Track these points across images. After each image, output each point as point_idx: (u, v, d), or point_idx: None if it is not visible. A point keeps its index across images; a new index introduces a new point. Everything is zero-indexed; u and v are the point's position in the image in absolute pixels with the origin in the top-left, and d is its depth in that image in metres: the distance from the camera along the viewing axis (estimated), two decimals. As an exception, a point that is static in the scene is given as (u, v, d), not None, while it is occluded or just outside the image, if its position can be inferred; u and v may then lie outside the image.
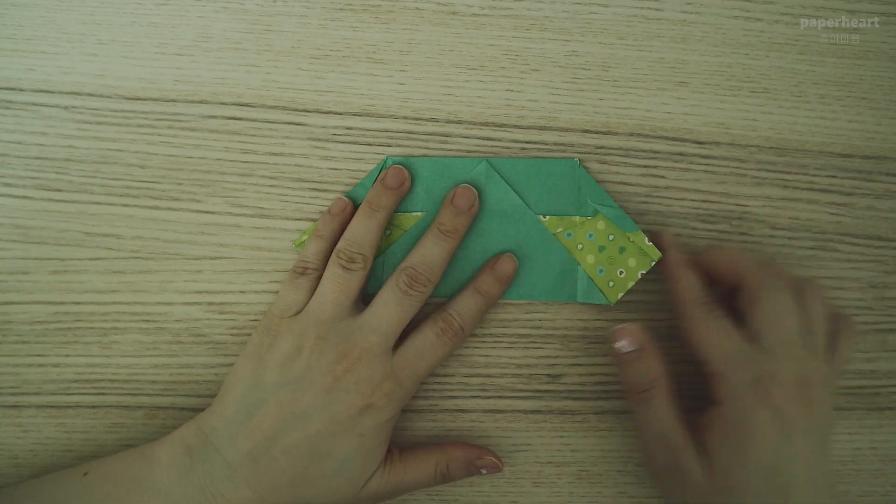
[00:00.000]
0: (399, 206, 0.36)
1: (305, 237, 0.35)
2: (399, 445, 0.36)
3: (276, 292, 0.35)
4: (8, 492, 0.32)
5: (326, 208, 0.36)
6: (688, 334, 0.32)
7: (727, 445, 0.30)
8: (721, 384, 0.31)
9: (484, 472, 0.35)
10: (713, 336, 0.31)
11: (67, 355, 0.36)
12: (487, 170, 0.36)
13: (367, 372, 0.31)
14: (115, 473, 0.31)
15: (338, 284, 0.32)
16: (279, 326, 0.32)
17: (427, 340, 0.33)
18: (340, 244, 0.33)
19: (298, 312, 0.33)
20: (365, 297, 0.34)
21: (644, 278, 0.36)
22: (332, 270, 0.32)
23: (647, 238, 0.35)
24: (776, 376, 0.30)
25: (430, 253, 0.33)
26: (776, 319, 0.31)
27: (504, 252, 0.35)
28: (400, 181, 0.35)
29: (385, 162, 0.36)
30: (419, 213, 0.36)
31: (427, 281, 0.33)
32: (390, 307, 0.32)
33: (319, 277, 0.33)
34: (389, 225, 0.36)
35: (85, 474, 0.32)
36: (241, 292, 0.36)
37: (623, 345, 0.32)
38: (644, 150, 0.36)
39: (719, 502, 0.30)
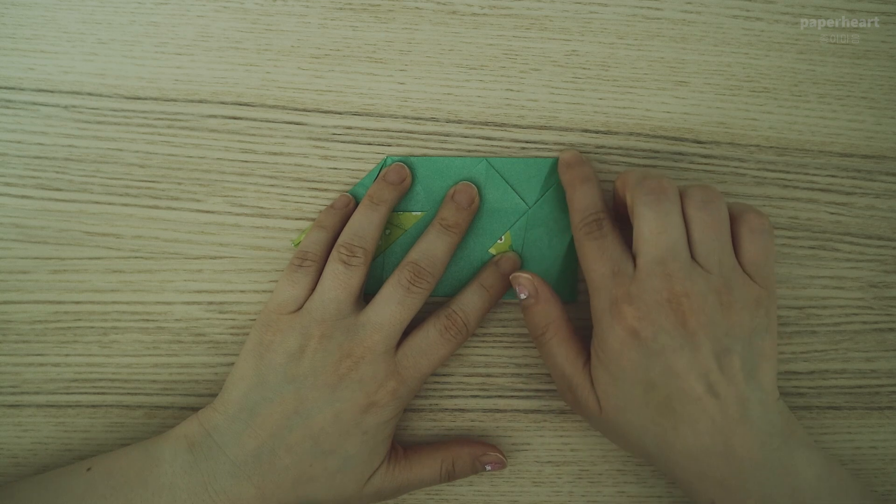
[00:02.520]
0: (399, 206, 0.36)
1: (304, 236, 0.35)
2: (400, 445, 0.36)
3: (276, 292, 0.35)
4: (10, 487, 0.32)
5: (329, 204, 0.36)
6: (580, 255, 0.32)
7: (600, 370, 0.31)
8: (592, 307, 0.31)
9: (489, 468, 0.35)
10: (587, 260, 0.31)
11: (67, 355, 0.36)
12: (487, 169, 0.36)
13: (371, 370, 0.31)
14: (119, 469, 0.31)
15: (339, 281, 0.32)
16: (279, 323, 0.32)
17: (430, 337, 0.32)
18: (342, 238, 0.33)
19: (298, 308, 0.32)
20: (365, 297, 0.34)
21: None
22: (333, 267, 0.32)
23: None
24: (633, 297, 0.29)
25: (432, 247, 0.33)
26: (647, 238, 0.29)
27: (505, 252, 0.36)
28: (401, 177, 0.35)
29: (385, 161, 0.36)
30: (419, 213, 0.36)
31: (430, 276, 0.33)
32: (393, 305, 0.32)
33: (318, 270, 0.33)
34: (389, 224, 0.36)
35: (88, 469, 0.32)
36: (241, 292, 0.36)
37: (519, 292, 0.33)
38: (644, 150, 0.36)
39: (615, 429, 0.31)
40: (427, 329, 0.33)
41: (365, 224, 0.33)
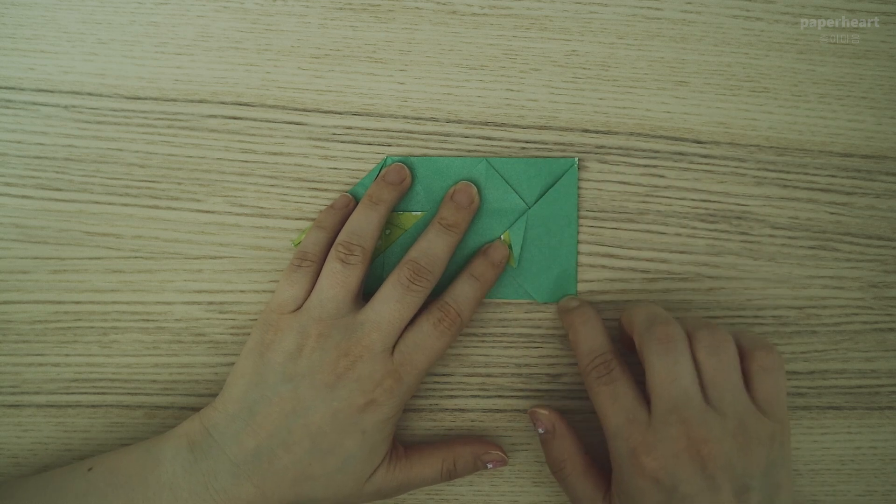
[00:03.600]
0: (399, 206, 0.36)
1: (304, 236, 0.35)
2: (401, 444, 0.36)
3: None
4: (11, 487, 0.32)
5: (328, 204, 0.36)
6: (596, 405, 0.32)
7: None
8: (611, 453, 0.31)
9: (490, 466, 0.35)
10: (600, 406, 0.31)
11: (67, 354, 0.36)
12: (487, 169, 0.36)
13: (369, 369, 0.31)
14: (120, 468, 0.31)
15: (337, 280, 0.32)
16: (279, 322, 0.32)
17: (424, 332, 0.32)
18: (340, 236, 0.33)
19: (298, 308, 0.32)
20: (365, 297, 0.34)
21: (644, 278, 0.36)
22: (331, 266, 0.32)
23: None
24: (651, 446, 0.29)
25: (432, 246, 0.33)
26: (659, 386, 0.30)
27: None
28: (401, 178, 0.35)
29: (385, 161, 0.36)
30: (419, 213, 0.36)
31: (430, 274, 0.32)
32: (391, 304, 0.32)
33: (318, 270, 0.33)
34: (389, 224, 0.36)
35: (89, 469, 0.32)
36: (241, 292, 0.36)
37: (537, 427, 0.34)
38: (644, 150, 0.36)
39: None
40: (421, 323, 0.33)
41: (364, 223, 0.33)
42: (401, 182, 0.35)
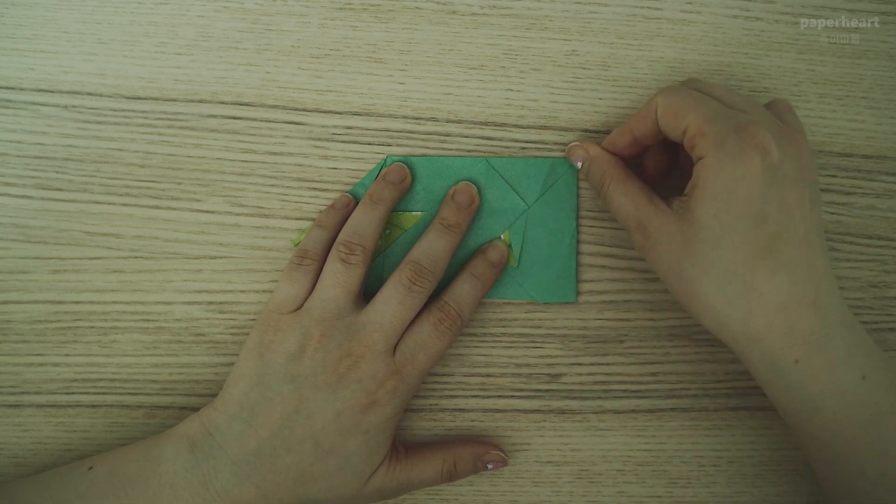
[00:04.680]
0: (399, 206, 0.36)
1: (304, 236, 0.35)
2: (401, 445, 0.36)
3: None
4: (11, 486, 0.32)
5: (329, 204, 0.36)
6: (669, 110, 0.31)
7: (708, 198, 0.29)
8: (704, 139, 0.29)
9: (490, 467, 0.35)
10: (690, 100, 0.30)
11: (67, 354, 0.36)
12: (487, 169, 0.36)
13: (371, 369, 0.31)
14: (121, 468, 0.31)
15: (338, 280, 0.32)
16: (279, 322, 0.32)
17: (425, 332, 0.32)
18: (341, 236, 0.33)
19: (297, 308, 0.32)
20: (365, 297, 0.34)
21: (644, 278, 0.36)
22: (332, 265, 0.32)
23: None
24: (755, 121, 0.29)
25: (433, 247, 0.33)
26: (727, 93, 0.31)
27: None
28: (401, 177, 0.35)
29: (385, 161, 0.36)
30: (419, 213, 0.36)
31: (431, 275, 0.33)
32: (393, 304, 0.32)
33: (318, 269, 0.33)
34: (389, 224, 0.36)
35: (90, 468, 0.32)
36: (241, 292, 0.36)
37: (575, 162, 0.35)
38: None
39: (694, 267, 0.29)
40: (421, 323, 0.33)
41: (364, 222, 0.33)
42: (401, 182, 0.35)
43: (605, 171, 0.33)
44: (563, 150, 0.36)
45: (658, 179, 0.35)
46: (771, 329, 0.29)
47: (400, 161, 0.36)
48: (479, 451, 0.35)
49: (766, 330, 0.29)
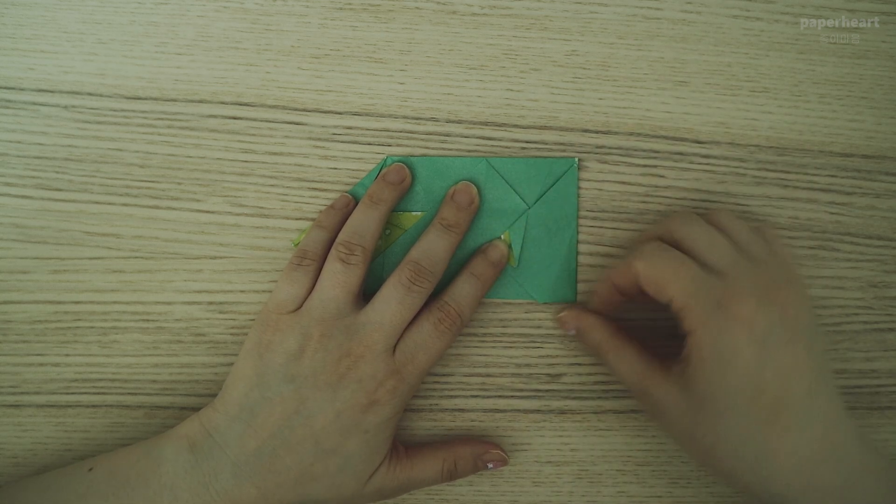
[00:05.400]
0: (399, 206, 0.36)
1: (304, 237, 0.35)
2: (402, 445, 0.36)
3: (276, 292, 0.35)
4: (11, 488, 0.32)
5: (329, 204, 0.36)
6: (649, 280, 0.31)
7: (705, 372, 0.29)
8: (689, 315, 0.30)
9: (490, 466, 0.35)
10: (669, 271, 0.30)
11: (67, 354, 0.36)
12: (487, 169, 0.36)
13: (371, 369, 0.31)
14: (121, 469, 0.31)
15: (338, 280, 0.32)
16: (278, 323, 0.32)
17: (425, 332, 0.32)
18: (341, 236, 0.33)
19: (297, 308, 0.32)
20: (365, 296, 0.34)
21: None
22: (332, 266, 0.32)
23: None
24: (735, 292, 0.29)
25: (433, 247, 0.33)
26: (707, 246, 0.30)
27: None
28: (401, 178, 0.35)
29: (385, 161, 0.36)
30: (419, 213, 0.36)
31: (430, 275, 0.32)
32: (392, 304, 0.32)
33: (318, 269, 0.33)
34: (389, 224, 0.36)
35: (90, 470, 0.32)
36: (241, 292, 0.36)
37: (567, 331, 0.35)
38: (644, 150, 0.36)
39: (704, 437, 0.30)
40: (421, 323, 0.33)
41: (364, 222, 0.33)
42: (401, 182, 0.35)
43: (600, 341, 0.33)
44: (563, 151, 0.36)
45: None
46: (791, 489, 0.29)
47: (400, 161, 0.36)
48: (479, 451, 0.35)
49: (786, 490, 0.29)
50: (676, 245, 0.31)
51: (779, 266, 0.31)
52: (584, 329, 0.34)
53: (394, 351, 0.32)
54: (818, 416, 0.28)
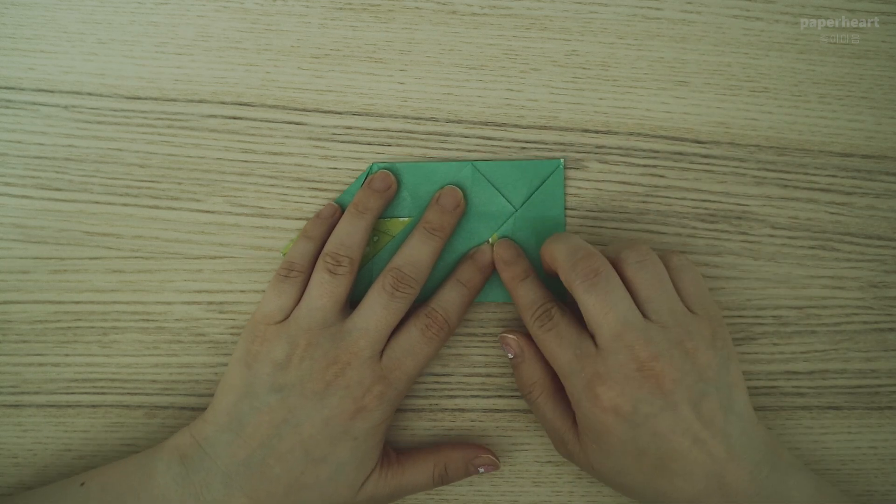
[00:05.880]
0: (386, 212, 0.36)
1: (291, 247, 0.35)
2: (399, 446, 0.36)
3: (276, 292, 0.35)
4: (3, 502, 0.32)
5: (315, 213, 0.36)
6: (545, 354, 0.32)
7: (590, 442, 0.31)
8: (567, 389, 0.31)
9: (482, 470, 0.35)
10: (549, 351, 0.31)
11: (67, 354, 0.36)
12: (473, 173, 0.36)
13: (358, 376, 0.31)
14: (112, 483, 0.31)
15: (325, 290, 0.32)
16: (266, 333, 0.32)
17: (412, 337, 0.32)
18: (327, 247, 0.33)
19: (284, 318, 0.32)
20: (352, 304, 0.34)
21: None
22: (319, 276, 0.32)
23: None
24: (604, 376, 0.30)
25: (416, 252, 0.33)
26: (598, 320, 0.30)
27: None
28: (387, 185, 0.35)
29: (371, 168, 0.36)
30: (406, 219, 0.36)
31: (413, 281, 0.33)
32: (377, 310, 0.32)
33: (304, 281, 0.33)
34: (376, 231, 0.36)
35: (82, 484, 0.32)
36: (241, 292, 0.36)
37: (507, 352, 0.34)
38: (644, 150, 0.36)
39: (608, 480, 0.32)
40: (409, 329, 0.33)
41: (351, 232, 0.33)
42: (387, 189, 0.35)
43: (537, 378, 0.33)
44: (563, 151, 0.36)
45: None
46: None
47: (385, 168, 0.36)
48: (469, 455, 0.35)
49: None
50: (569, 287, 0.31)
51: (679, 325, 0.30)
52: (527, 358, 0.33)
53: (381, 357, 0.32)
54: (703, 461, 0.29)
